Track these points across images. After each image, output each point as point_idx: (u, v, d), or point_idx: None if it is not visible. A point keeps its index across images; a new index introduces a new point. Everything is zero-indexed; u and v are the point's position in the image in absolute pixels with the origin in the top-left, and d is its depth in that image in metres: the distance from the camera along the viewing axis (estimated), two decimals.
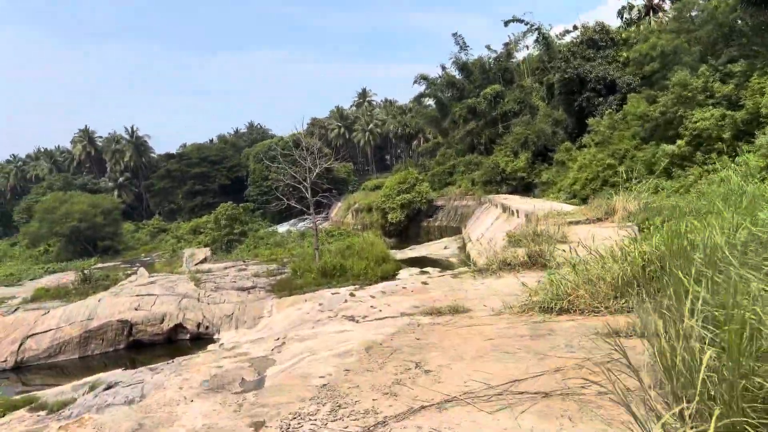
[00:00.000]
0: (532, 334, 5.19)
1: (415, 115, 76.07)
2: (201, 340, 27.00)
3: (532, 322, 5.60)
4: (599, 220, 16.55)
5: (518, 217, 27.96)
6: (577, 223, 16.24)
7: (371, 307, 30.06)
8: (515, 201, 35.52)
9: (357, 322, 27.72)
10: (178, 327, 27.56)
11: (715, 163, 24.07)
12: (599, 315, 5.60)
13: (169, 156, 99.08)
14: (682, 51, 29.50)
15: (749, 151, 21.91)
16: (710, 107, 25.48)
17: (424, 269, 37.86)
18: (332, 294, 31.00)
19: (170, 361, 25.94)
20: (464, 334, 5.34)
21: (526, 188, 45.76)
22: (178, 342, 27.05)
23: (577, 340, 4.90)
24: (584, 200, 33.45)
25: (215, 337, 27.83)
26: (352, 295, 31.17)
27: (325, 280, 33.16)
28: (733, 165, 20.72)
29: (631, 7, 48.60)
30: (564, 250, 9.25)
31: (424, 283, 36.59)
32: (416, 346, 5.01)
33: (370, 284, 32.63)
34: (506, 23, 52.00)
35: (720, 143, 24.79)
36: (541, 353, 4.59)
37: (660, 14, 43.84)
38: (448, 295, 7.47)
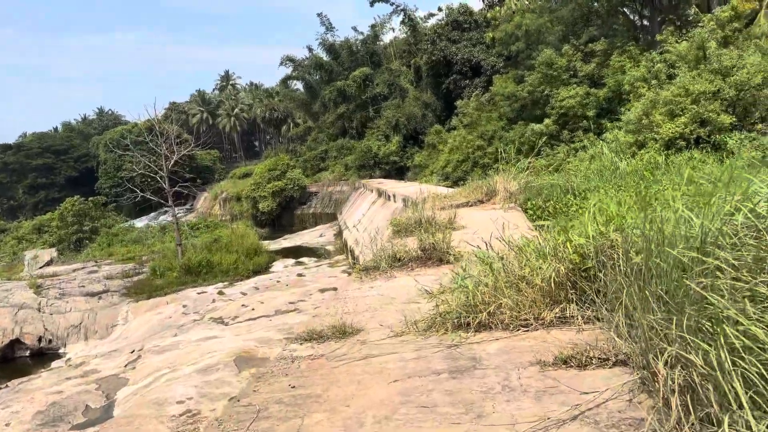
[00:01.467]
0: (452, 368, 3.76)
1: (283, 98, 73.26)
2: (45, 356, 23.60)
3: (447, 347, 4.19)
4: (481, 202, 15.79)
5: (395, 201, 27.03)
6: (459, 206, 15.35)
7: (243, 306, 27.41)
8: (390, 185, 34.73)
9: (226, 324, 24.95)
10: (15, 343, 23.88)
11: (582, 140, 24.57)
12: (530, 330, 4.32)
13: (5, 147, 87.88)
14: (546, 31, 30.00)
15: (618, 128, 22.46)
16: (575, 86, 25.99)
17: (300, 260, 36.07)
18: (198, 294, 28.36)
19: (2, 387, 21.87)
20: (359, 373, 3.79)
21: (399, 172, 45.34)
22: (16, 360, 23.49)
23: (515, 375, 3.54)
24: (457, 182, 33.36)
25: (61, 351, 24.34)
26: (221, 293, 28.57)
27: (190, 278, 30.25)
28: (602, 142, 21.05)
29: None
30: (464, 241, 8.02)
31: (301, 275, 34.34)
32: (291, 403, 3.36)
33: (242, 280, 30.36)
34: (372, 3, 50.98)
35: (585, 121, 25.37)
36: (473, 407, 3.14)
37: (513, 5, 45.05)
38: (330, 306, 5.88)
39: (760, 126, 16.55)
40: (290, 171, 51.22)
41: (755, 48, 18.37)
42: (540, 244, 5.09)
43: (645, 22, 29.27)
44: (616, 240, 4.41)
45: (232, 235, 36.89)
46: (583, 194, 15.11)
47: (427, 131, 42.52)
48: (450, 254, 7.75)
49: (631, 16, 30.22)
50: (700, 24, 20.53)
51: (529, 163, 19.03)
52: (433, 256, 7.64)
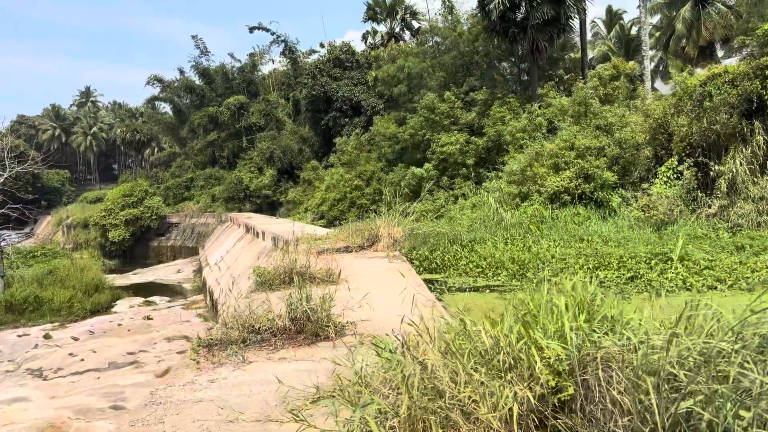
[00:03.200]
0: None
1: (148, 120, 68.01)
2: None
3: None
4: (362, 248, 14.02)
5: (264, 239, 24.59)
6: (339, 251, 13.46)
7: (70, 355, 23.05)
8: (260, 220, 32.15)
9: (45, 379, 20.64)
10: None
11: (461, 187, 23.91)
12: None
13: None
14: (428, 75, 29.59)
15: (498, 177, 21.94)
16: (455, 132, 25.47)
17: (150, 299, 31.98)
18: (19, 337, 23.66)
19: None
20: None
21: (271, 207, 42.76)
22: None
23: None
24: (332, 221, 31.58)
25: None
26: (47, 337, 23.96)
27: (12, 317, 25.41)
28: (487, 192, 20.31)
29: (374, 32, 49.43)
30: (348, 308, 6.10)
31: (148, 318, 30.13)
32: None
33: (76, 321, 25.89)
34: (251, 29, 48.88)
35: (464, 169, 24.80)
36: None
37: (401, 43, 45.16)
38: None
39: (645, 185, 16.48)
40: (149, 198, 46.67)
41: (637, 107, 18.69)
42: (482, 341, 3.28)
43: (525, 76, 29.86)
44: (612, 351, 2.71)
45: (72, 267, 32.10)
46: (470, 245, 13.87)
47: (303, 166, 40.59)
48: (330, 326, 5.77)
49: (509, 70, 30.79)
50: (581, 80, 20.79)
51: (410, 206, 17.65)
52: (306, 329, 5.62)
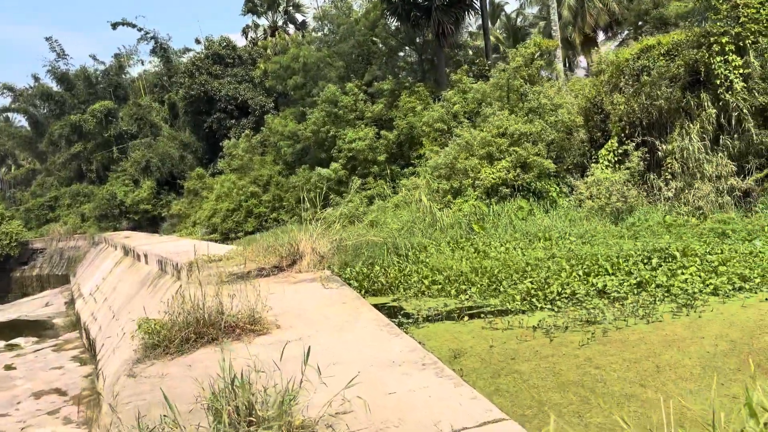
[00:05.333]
0: None
1: (0, 134, 59.67)
2: None
3: None
4: (280, 269, 11.12)
5: (147, 263, 20.75)
6: (251, 275, 10.48)
7: None
8: (141, 240, 27.82)
9: None
10: None
11: (374, 187, 21.51)
12: None
13: None
14: (326, 66, 26.89)
15: (415, 174, 19.74)
16: (363, 127, 23.03)
17: (13, 341, 26.75)
18: None
19: None
20: None
21: (152, 223, 38.08)
22: None
23: None
24: (227, 235, 28.07)
25: None
26: None
27: None
28: (405, 189, 18.01)
29: (256, 26, 45.82)
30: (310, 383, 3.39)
31: (9, 367, 25.18)
32: None
33: None
34: (114, 25, 43.53)
35: (376, 166, 22.43)
36: None
37: (286, 36, 41.98)
38: None
39: (589, 172, 14.83)
40: (6, 223, 40.18)
41: (568, 88, 17.20)
42: None
43: (427, 66, 27.96)
44: None
45: None
46: (414, 255, 11.45)
47: (187, 175, 36.41)
48: None
49: (413, 58, 28.82)
50: (501, 62, 19.09)
51: (319, 212, 14.94)
52: None
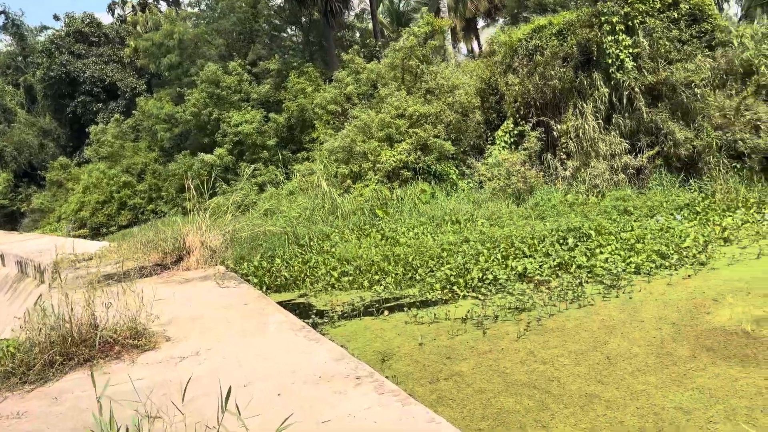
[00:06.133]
0: None
1: None
2: None
3: None
4: (163, 267, 9.77)
5: (4, 264, 18.15)
6: (129, 276, 9.07)
7: None
8: None
9: None
10: None
11: (265, 173, 20.20)
12: None
13: None
14: (205, 43, 24.94)
15: (308, 159, 18.73)
16: (249, 109, 21.56)
17: None
18: None
19: None
20: None
21: (10, 219, 34.05)
22: None
23: None
24: (98, 230, 25.48)
25: None
26: None
27: None
28: (317, 174, 16.93)
29: (123, 2, 42.06)
30: None
31: None
32: None
33: None
34: None
35: (265, 151, 21.10)
36: None
37: (159, 12, 38.83)
38: None
39: (487, 153, 14.60)
40: None
41: (461, 69, 16.89)
42: None
43: (315, 47, 26.76)
44: None
45: None
46: (318, 245, 10.56)
47: (48, 165, 32.72)
48: None
49: (299, 38, 27.52)
50: (392, 41, 18.46)
51: (201, 202, 13.69)
52: None
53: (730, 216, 9.73)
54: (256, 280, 8.91)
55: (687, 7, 13.54)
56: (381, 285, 8.10)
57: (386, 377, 4.51)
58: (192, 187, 12.94)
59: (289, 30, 27.17)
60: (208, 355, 5.05)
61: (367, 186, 14.11)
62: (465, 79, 15.90)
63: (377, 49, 22.82)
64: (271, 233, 11.14)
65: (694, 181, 12.23)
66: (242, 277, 8.92)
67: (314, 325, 6.59)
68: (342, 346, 5.48)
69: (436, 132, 14.72)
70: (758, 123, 12.10)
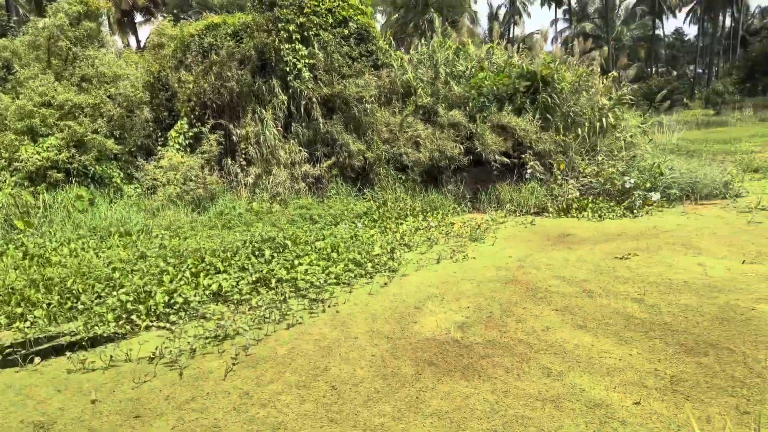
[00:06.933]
0: None
1: None
2: None
3: None
4: None
5: None
6: None
7: None
8: None
9: None
10: None
11: None
12: None
13: None
14: None
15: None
16: None
17: None
18: None
19: None
20: None
21: None
22: None
23: None
24: None
25: None
26: None
27: None
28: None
29: None
30: None
31: None
32: None
33: None
34: None
35: None
36: None
37: None
38: None
39: (159, 154, 12.88)
40: None
41: (124, 60, 14.67)
42: None
43: None
44: None
45: None
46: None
47: None
48: None
49: None
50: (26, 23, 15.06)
51: None
52: None
53: (404, 223, 10.37)
54: None
55: (355, 26, 14.27)
56: (26, 321, 6.13)
57: None
58: None
59: None
60: None
61: (2, 190, 11.11)
62: (130, 71, 13.94)
63: (12, 25, 18.73)
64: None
65: (368, 191, 12.88)
66: None
67: None
68: None
69: (96, 127, 12.49)
70: (418, 139, 13.39)
